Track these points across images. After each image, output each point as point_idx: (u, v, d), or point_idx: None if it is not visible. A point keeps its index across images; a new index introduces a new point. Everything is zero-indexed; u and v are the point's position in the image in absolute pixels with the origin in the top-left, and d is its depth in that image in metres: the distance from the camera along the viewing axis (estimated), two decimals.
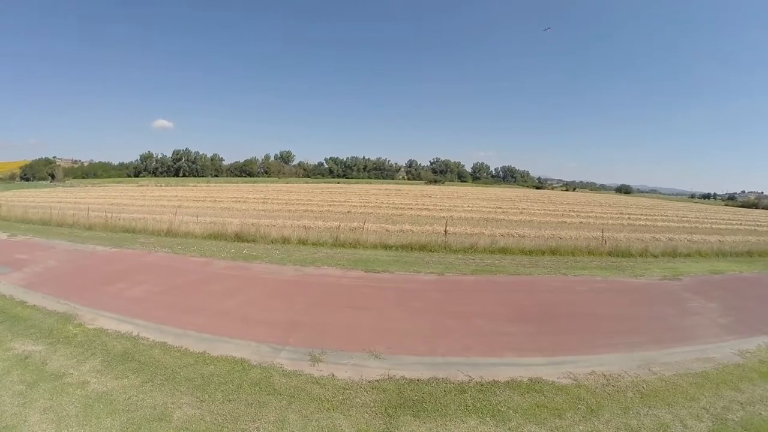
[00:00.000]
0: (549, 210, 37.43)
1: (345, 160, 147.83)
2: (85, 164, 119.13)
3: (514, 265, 12.59)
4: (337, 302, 8.44)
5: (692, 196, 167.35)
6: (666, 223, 30.30)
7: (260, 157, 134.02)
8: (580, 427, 4.49)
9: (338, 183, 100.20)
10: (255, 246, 14.20)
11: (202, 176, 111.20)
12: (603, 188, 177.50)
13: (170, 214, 20.83)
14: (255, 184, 78.16)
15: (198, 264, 11.51)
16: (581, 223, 27.79)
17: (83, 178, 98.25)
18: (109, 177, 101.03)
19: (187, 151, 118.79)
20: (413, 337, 6.77)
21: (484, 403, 4.92)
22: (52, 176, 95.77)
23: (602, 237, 16.99)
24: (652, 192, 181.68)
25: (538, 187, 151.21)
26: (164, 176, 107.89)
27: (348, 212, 27.82)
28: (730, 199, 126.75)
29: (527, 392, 5.18)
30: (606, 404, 4.98)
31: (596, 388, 5.38)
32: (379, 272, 10.92)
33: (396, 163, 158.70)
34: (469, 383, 5.36)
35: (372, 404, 4.83)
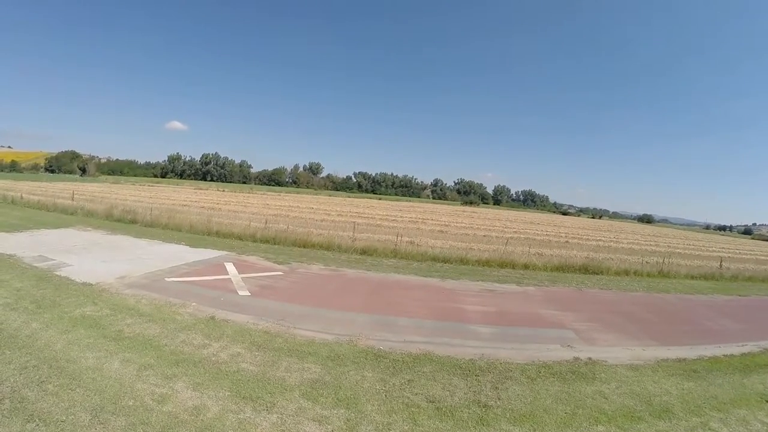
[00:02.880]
0: (626, 238, 41.66)
1: (374, 175, 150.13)
2: (103, 160, 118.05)
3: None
4: None
5: (707, 227, 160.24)
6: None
7: (288, 166, 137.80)
8: None
9: (403, 201, 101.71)
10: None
11: (230, 182, 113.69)
12: (617, 215, 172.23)
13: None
14: (321, 197, 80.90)
15: None
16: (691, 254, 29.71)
17: (110, 174, 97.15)
18: (135, 175, 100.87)
19: (216, 156, 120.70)
20: None
21: None
22: (83, 170, 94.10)
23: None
24: (663, 221, 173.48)
25: (564, 213, 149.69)
26: (192, 179, 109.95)
27: (510, 237, 27.52)
28: (747, 233, 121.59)
29: None
30: None
31: None
32: None
33: (422, 182, 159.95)
34: None
35: None
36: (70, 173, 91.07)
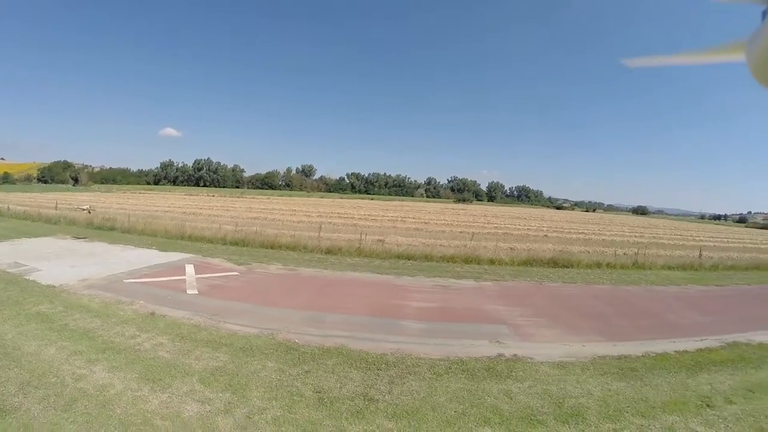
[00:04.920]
0: (611, 230, 42.40)
1: (366, 176, 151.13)
2: (96, 169, 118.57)
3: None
4: None
5: (702, 216, 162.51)
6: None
7: (280, 169, 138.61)
8: None
9: (395, 200, 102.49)
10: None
11: (224, 187, 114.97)
12: (612, 208, 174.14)
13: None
14: (319, 199, 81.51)
15: None
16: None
17: (103, 183, 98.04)
18: (128, 183, 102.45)
19: (208, 161, 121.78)
20: None
21: None
22: (76, 180, 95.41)
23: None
24: (658, 212, 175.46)
25: (558, 208, 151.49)
26: (184, 185, 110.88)
27: (488, 233, 28.78)
28: (742, 221, 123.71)
29: None
30: None
31: None
32: None
33: (415, 181, 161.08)
34: None
35: None
36: (63, 183, 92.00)
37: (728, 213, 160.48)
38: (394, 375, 5.47)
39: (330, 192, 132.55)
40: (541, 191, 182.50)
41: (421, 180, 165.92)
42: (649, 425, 4.52)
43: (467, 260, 15.99)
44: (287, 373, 5.26)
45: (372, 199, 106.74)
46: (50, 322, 6.65)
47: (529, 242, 24.12)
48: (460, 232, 28.43)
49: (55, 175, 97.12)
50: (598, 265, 16.40)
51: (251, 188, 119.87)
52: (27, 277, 9.63)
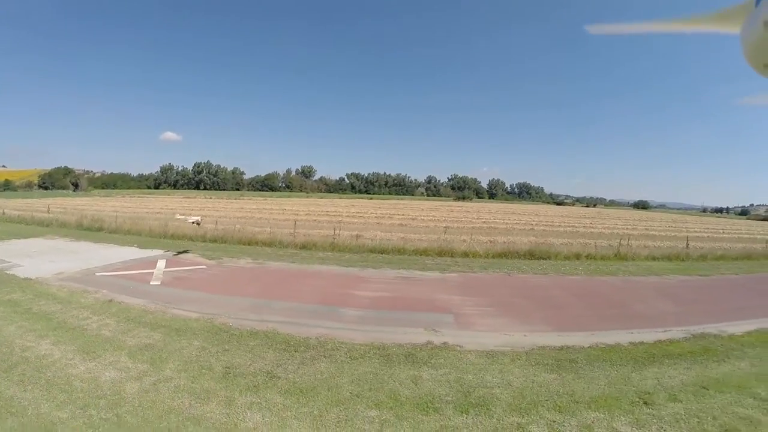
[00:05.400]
0: (603, 224, 41.05)
1: (366, 175, 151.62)
2: (97, 175, 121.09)
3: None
4: None
5: (704, 210, 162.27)
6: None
7: (280, 171, 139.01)
8: None
9: (393, 199, 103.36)
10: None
11: (223, 189, 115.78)
12: (613, 203, 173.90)
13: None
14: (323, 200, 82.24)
15: None
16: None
17: (103, 188, 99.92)
18: (129, 188, 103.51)
19: (208, 164, 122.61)
20: None
21: None
22: (76, 185, 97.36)
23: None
24: (661, 207, 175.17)
25: (558, 203, 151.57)
26: (184, 189, 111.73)
27: (474, 227, 29.83)
28: (744, 214, 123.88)
29: None
30: None
31: None
32: None
33: (415, 179, 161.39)
34: None
35: None
36: (64, 189, 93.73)
37: (730, 206, 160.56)
38: (308, 357, 5.67)
39: (330, 192, 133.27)
40: (542, 187, 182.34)
41: (422, 179, 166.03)
42: (563, 421, 4.20)
43: (440, 253, 16.33)
44: (207, 351, 5.73)
45: (371, 198, 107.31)
46: (17, 306, 7.40)
47: (513, 235, 24.44)
48: (445, 227, 29.02)
49: (55, 181, 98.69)
50: (577, 257, 16.46)
51: (251, 190, 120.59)
52: (8, 272, 10.41)
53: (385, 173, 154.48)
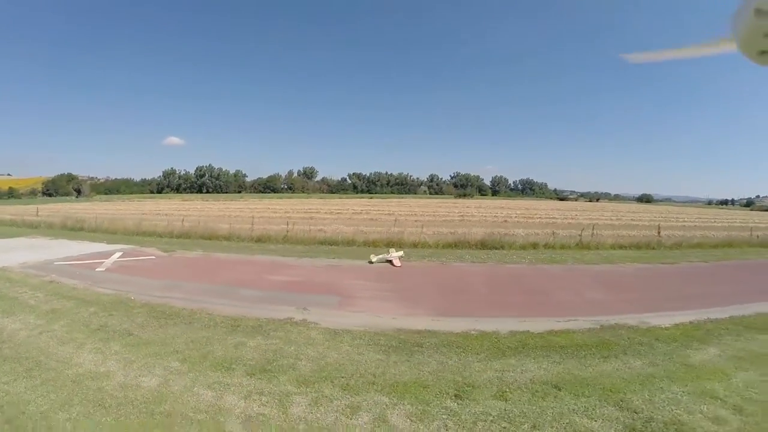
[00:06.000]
0: (590, 216, 39.97)
1: (368, 175, 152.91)
2: (101, 180, 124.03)
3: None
4: None
5: (709, 202, 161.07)
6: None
7: (282, 173, 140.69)
8: None
9: (393, 198, 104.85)
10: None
11: (226, 192, 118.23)
12: (618, 197, 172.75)
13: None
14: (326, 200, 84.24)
15: None
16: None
17: (106, 194, 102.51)
18: (132, 193, 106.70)
19: (210, 168, 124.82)
20: None
21: None
22: (78, 192, 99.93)
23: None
24: (666, 200, 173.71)
25: (562, 199, 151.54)
26: (187, 192, 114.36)
27: (445, 220, 31.09)
28: (748, 205, 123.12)
29: None
30: None
31: None
32: None
33: (418, 178, 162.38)
34: None
35: None
36: (67, 195, 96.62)
37: (736, 198, 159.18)
38: (171, 323, 6.65)
39: (332, 193, 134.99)
40: (546, 183, 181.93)
41: (424, 177, 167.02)
42: (337, 398, 4.33)
43: (389, 244, 16.65)
44: (96, 315, 7.04)
45: (371, 198, 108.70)
46: None
47: (483, 227, 24.33)
48: (415, 221, 30.27)
49: (59, 187, 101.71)
50: (534, 246, 16.43)
51: (254, 192, 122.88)
52: None
53: (387, 173, 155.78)
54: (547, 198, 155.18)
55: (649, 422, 3.93)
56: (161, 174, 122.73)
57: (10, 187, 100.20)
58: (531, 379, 4.84)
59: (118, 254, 13.95)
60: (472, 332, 6.46)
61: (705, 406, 4.25)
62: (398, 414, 4.05)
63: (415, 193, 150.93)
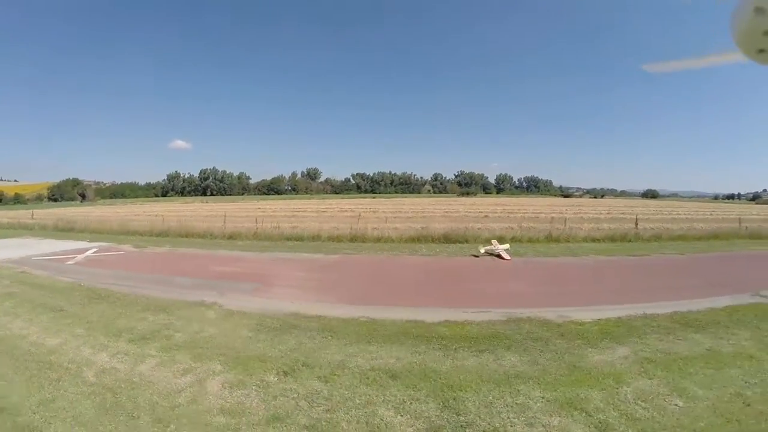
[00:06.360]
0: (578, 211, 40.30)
1: (372, 175, 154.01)
2: (108, 184, 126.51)
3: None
4: None
5: (716, 197, 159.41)
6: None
7: (286, 174, 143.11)
8: None
9: (395, 198, 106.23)
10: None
11: (229, 195, 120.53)
12: (624, 194, 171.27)
13: None
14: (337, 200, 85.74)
15: None
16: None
17: (111, 198, 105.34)
18: (137, 197, 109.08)
19: (214, 170, 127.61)
20: None
21: None
22: (83, 196, 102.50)
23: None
24: (673, 195, 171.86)
25: (566, 196, 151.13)
26: (191, 195, 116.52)
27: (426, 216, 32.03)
28: (755, 199, 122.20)
29: None
30: None
31: None
32: None
33: (422, 177, 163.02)
34: None
35: None
36: (72, 200, 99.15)
37: (743, 192, 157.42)
38: (99, 303, 7.83)
39: (336, 193, 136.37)
40: (551, 181, 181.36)
41: (428, 176, 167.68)
42: (190, 366, 4.95)
43: (353, 239, 17.66)
44: (44, 296, 8.34)
45: (374, 197, 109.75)
46: None
47: (464, 222, 24.65)
48: (395, 217, 31.41)
49: (64, 192, 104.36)
50: (500, 240, 16.00)
51: (257, 194, 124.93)
52: None
53: (390, 172, 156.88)
54: (551, 195, 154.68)
55: (463, 428, 3.65)
56: (165, 177, 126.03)
57: (16, 193, 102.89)
58: (372, 366, 4.89)
59: (93, 250, 15.37)
60: (361, 319, 6.72)
61: (559, 419, 3.75)
62: (217, 380, 4.57)
63: (419, 193, 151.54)
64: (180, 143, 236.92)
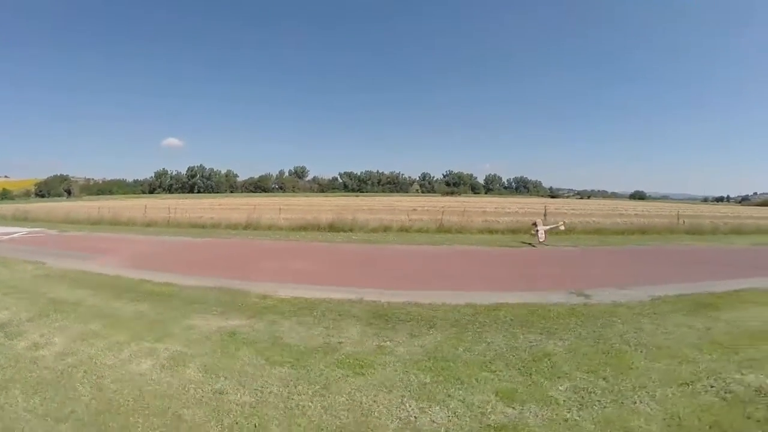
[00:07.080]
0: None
1: (359, 174, 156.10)
2: (98, 181, 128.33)
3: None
4: None
5: (705, 199, 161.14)
6: None
7: (274, 172, 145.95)
8: None
9: (379, 196, 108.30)
10: None
11: (217, 192, 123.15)
12: (614, 195, 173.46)
13: None
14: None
15: None
16: None
17: (98, 194, 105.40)
18: (124, 194, 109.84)
19: (201, 168, 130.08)
20: None
21: None
22: (69, 192, 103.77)
23: None
24: (663, 197, 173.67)
25: (553, 197, 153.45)
26: (179, 193, 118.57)
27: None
28: (744, 200, 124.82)
29: None
30: None
31: None
32: None
33: (409, 177, 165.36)
34: None
35: None
36: (59, 196, 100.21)
37: (732, 195, 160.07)
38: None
39: (323, 192, 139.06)
40: (540, 181, 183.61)
41: (415, 176, 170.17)
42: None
43: (247, 227, 20.39)
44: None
45: (357, 196, 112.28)
46: None
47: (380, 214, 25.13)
48: (317, 209, 34.09)
49: (51, 189, 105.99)
50: (386, 229, 17.92)
51: (245, 192, 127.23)
52: None
53: (378, 171, 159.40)
54: (540, 196, 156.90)
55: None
56: (153, 174, 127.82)
57: (4, 189, 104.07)
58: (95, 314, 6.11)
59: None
60: (137, 279, 8.53)
61: None
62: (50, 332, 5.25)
63: (407, 192, 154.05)
64: (173, 141, 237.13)
